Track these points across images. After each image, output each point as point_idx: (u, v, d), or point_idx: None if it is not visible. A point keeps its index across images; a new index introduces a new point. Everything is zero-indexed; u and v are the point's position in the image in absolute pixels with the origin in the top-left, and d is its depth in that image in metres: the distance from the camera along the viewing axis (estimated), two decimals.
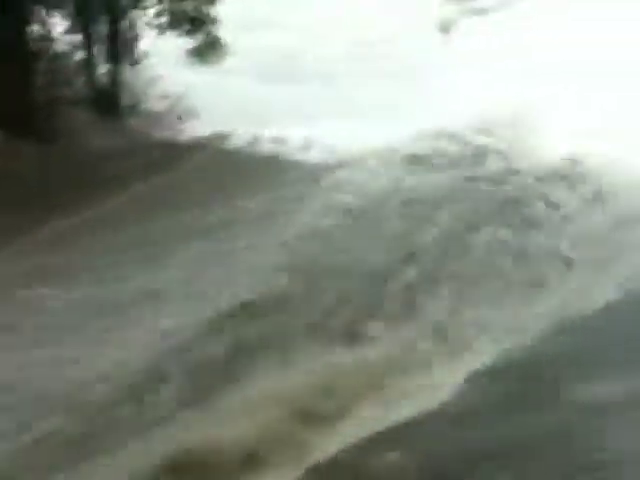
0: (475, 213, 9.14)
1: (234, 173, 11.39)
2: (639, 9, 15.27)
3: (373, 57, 17.24)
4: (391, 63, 16.56)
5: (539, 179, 10.03)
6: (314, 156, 11.59)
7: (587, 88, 13.17)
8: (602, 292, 7.13)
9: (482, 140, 11.42)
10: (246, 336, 6.70)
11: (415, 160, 10.59)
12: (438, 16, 12.48)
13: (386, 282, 7.70)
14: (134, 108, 13.88)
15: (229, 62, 14.13)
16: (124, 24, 14.05)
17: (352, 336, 6.91)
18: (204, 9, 13.19)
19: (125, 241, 9.16)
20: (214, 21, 13.32)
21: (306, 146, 12.00)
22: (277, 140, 12.61)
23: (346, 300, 7.42)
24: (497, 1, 12.11)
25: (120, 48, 14.16)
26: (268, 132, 12.93)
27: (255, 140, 12.78)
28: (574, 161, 10.42)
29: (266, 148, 12.59)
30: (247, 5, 19.40)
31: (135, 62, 14.22)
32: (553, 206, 9.31)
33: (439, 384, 5.91)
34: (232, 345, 6.56)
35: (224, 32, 13.90)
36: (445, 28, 12.48)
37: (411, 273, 7.83)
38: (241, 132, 12.91)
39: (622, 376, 5.19)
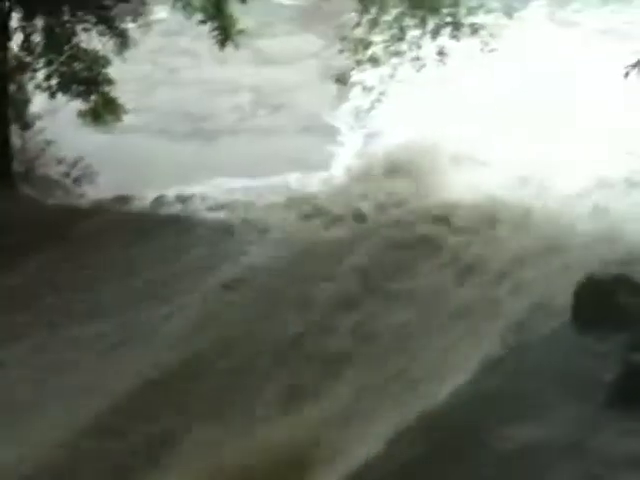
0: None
1: (135, 238, 10.95)
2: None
3: (277, 110, 17.36)
4: (294, 116, 16.74)
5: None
6: (218, 215, 11.36)
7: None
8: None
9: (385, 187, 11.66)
10: None
11: (315, 213, 10.65)
12: (334, 67, 12.53)
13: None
14: (27, 174, 13.19)
15: (127, 121, 13.65)
16: (12, 87, 13.44)
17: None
18: (97, 69, 12.76)
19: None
20: (109, 81, 12.88)
21: (210, 204, 11.76)
22: (180, 199, 12.28)
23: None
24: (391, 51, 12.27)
25: (10, 112, 13.53)
26: (171, 191, 12.61)
27: (157, 201, 12.37)
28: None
29: (169, 209, 12.22)
30: (142, 64, 19.36)
31: (27, 126, 13.60)
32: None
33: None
34: None
35: (120, 92, 13.48)
36: (341, 80, 12.54)
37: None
38: (142, 193, 12.52)
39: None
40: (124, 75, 13.92)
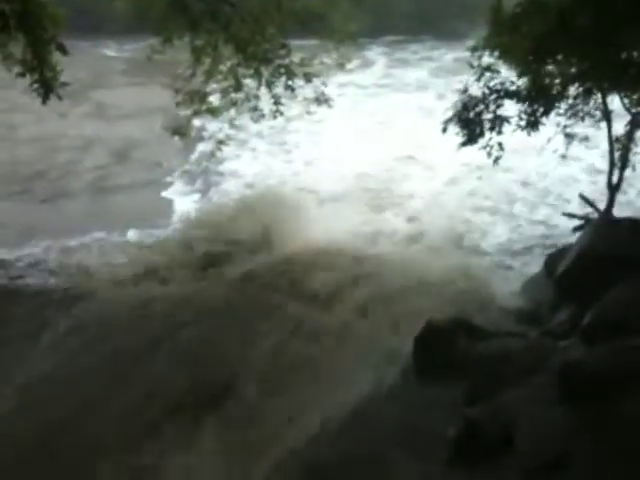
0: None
1: None
2: None
3: (119, 164, 16.81)
4: (134, 170, 16.29)
5: None
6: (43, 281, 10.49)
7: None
8: None
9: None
10: None
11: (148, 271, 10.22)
12: (172, 120, 12.11)
13: None
14: None
15: None
16: None
17: None
18: None
19: None
20: None
21: (33, 269, 10.86)
22: (3, 265, 11.21)
23: None
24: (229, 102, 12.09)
25: None
26: None
27: None
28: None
29: None
30: None
31: None
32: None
33: None
34: None
35: None
36: (180, 131, 12.13)
37: None
38: None
39: None
40: None
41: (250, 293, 9.52)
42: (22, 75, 10.19)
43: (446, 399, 6.14)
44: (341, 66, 12.25)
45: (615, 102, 9.56)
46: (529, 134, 7.82)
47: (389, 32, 38.05)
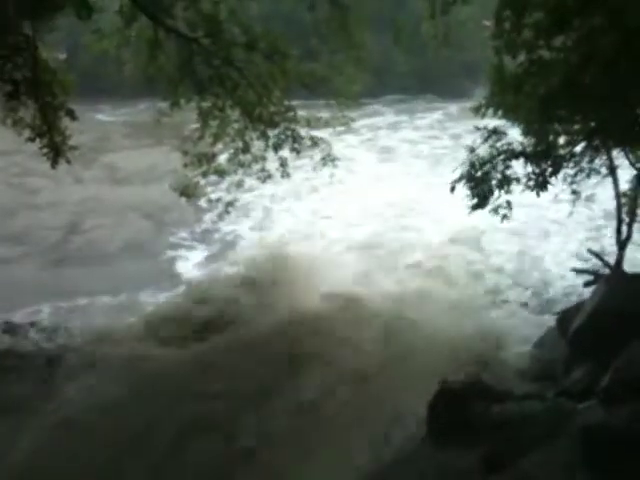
0: None
1: None
2: None
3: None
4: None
5: None
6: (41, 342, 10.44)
7: None
8: None
9: None
10: None
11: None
12: (179, 182, 12.21)
13: None
14: None
15: None
16: None
17: None
18: None
19: None
20: None
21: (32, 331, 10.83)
22: (7, 328, 11.15)
23: None
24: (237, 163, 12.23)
25: None
26: None
27: None
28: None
29: None
30: None
31: None
32: None
33: None
34: None
35: None
36: (187, 193, 12.23)
37: None
38: None
39: None
40: None
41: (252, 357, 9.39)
42: (32, 140, 10.37)
43: (462, 465, 5.94)
44: (346, 125, 12.47)
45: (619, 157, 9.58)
46: (538, 195, 7.78)
47: (390, 92, 38.74)
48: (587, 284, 10.66)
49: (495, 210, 7.87)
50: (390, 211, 17.22)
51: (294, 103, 11.49)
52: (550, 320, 10.38)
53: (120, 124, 32.92)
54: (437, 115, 34.30)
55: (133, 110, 34.17)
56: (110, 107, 35.50)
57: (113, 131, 31.03)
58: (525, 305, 12.06)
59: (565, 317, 9.54)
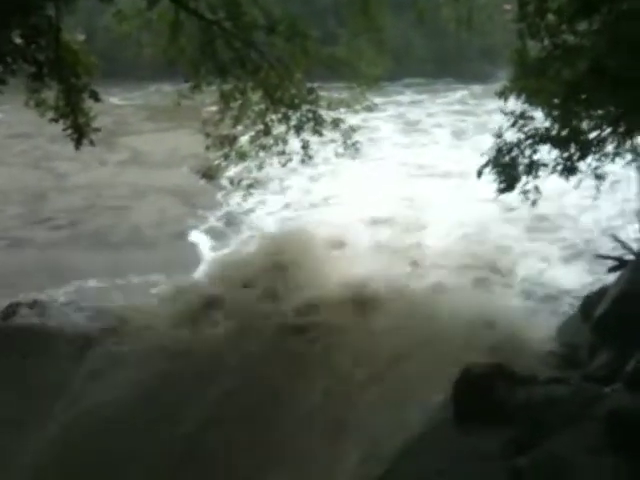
0: None
1: None
2: None
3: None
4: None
5: None
6: (75, 321, 10.57)
7: None
8: None
9: None
10: None
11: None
12: (201, 164, 12.25)
13: None
14: None
15: None
16: None
17: None
18: None
19: None
20: None
21: (65, 310, 10.97)
22: (35, 306, 11.29)
23: None
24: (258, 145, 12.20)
25: None
26: (23, 297, 11.63)
27: (8, 309, 11.33)
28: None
29: (22, 317, 11.17)
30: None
31: None
32: None
33: None
34: None
35: None
36: (209, 175, 12.25)
37: None
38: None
39: None
40: None
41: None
42: (55, 120, 10.41)
43: (488, 448, 5.93)
44: (368, 108, 12.39)
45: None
46: (567, 179, 7.70)
47: (409, 75, 38.43)
48: (611, 269, 10.57)
49: (524, 193, 7.81)
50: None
51: (315, 85, 11.41)
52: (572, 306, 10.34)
53: (136, 107, 32.97)
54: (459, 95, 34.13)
55: (144, 93, 34.26)
56: (121, 90, 35.53)
57: (129, 114, 31.10)
58: (546, 293, 11.99)
59: (589, 302, 9.49)
